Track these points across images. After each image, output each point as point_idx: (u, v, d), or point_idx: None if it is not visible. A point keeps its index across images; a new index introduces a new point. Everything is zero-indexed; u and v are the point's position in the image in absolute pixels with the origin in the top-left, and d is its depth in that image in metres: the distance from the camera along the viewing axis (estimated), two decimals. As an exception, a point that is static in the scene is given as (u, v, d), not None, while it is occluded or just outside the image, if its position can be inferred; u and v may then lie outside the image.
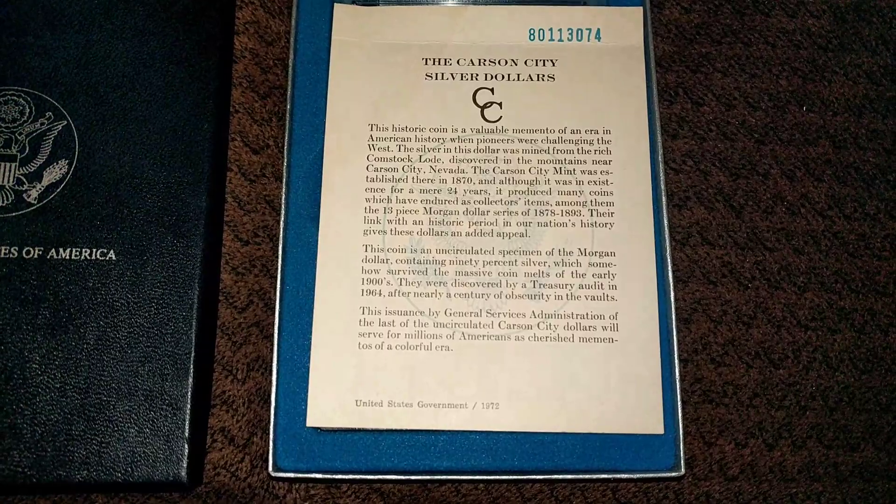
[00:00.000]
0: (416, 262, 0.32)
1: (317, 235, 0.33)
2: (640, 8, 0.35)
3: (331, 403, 0.31)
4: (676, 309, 0.33)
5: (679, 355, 0.32)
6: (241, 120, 0.36)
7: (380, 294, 0.32)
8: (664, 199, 0.33)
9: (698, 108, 0.37)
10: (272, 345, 0.32)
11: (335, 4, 0.35)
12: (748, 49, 0.38)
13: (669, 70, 0.37)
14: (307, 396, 0.31)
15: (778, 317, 0.35)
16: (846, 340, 0.35)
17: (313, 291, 0.32)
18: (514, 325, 0.32)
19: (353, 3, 0.36)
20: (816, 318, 0.35)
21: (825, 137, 0.37)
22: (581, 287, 0.32)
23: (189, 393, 0.31)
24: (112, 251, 0.32)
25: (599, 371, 0.31)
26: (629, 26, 0.35)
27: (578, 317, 0.32)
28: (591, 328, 0.32)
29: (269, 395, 0.32)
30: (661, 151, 0.34)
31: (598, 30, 0.35)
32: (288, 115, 0.34)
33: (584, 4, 0.36)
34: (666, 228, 0.33)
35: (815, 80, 0.38)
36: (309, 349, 0.32)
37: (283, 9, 0.38)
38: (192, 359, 0.31)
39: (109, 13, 0.34)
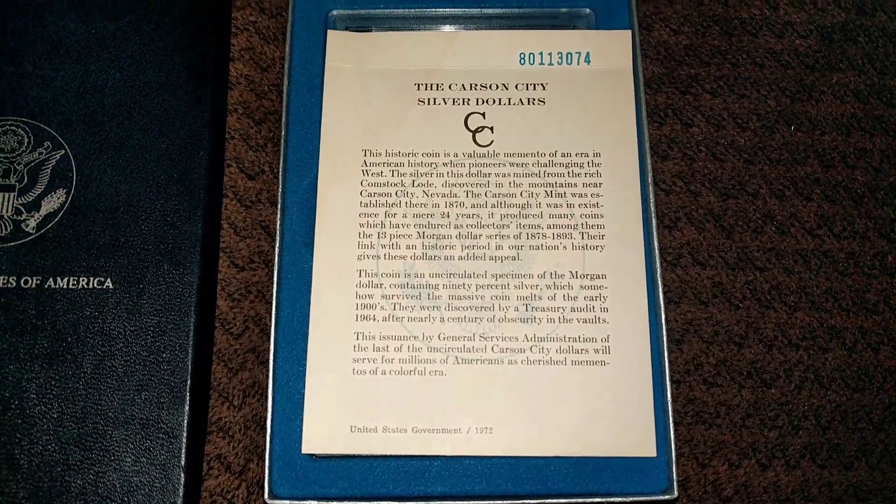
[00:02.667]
0: (409, 286, 0.33)
1: (312, 261, 0.33)
2: (629, 31, 0.36)
3: (326, 430, 0.31)
4: (668, 330, 0.34)
5: (671, 376, 0.33)
6: (236, 146, 0.36)
7: (374, 319, 0.32)
8: (654, 220, 0.34)
9: (688, 129, 0.37)
10: (268, 371, 0.32)
11: (328, 31, 0.36)
12: (736, 70, 0.38)
13: (659, 91, 0.38)
14: (303, 423, 0.31)
15: (769, 336, 0.35)
16: (837, 359, 0.35)
17: (308, 317, 0.32)
18: (507, 348, 0.32)
19: (347, 29, 0.36)
20: (807, 338, 0.35)
21: (814, 156, 0.37)
22: (573, 310, 0.32)
23: (185, 421, 0.31)
24: (109, 280, 0.32)
25: (592, 394, 0.31)
26: (618, 49, 0.35)
27: (571, 340, 0.32)
28: (584, 351, 0.32)
29: (266, 422, 0.32)
30: (650, 173, 0.34)
31: (588, 53, 0.35)
32: (283, 140, 0.35)
33: (574, 28, 0.36)
34: (656, 250, 0.33)
35: (802, 100, 0.38)
36: (304, 375, 0.32)
37: (278, 35, 0.38)
38: (188, 386, 0.31)
39: (106, 43, 0.35)
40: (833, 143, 0.38)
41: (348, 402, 0.31)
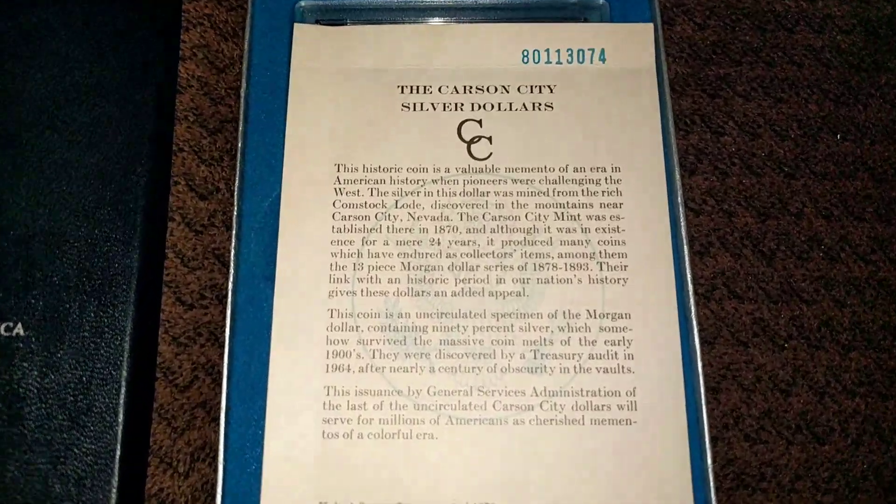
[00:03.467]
0: (392, 329, 0.27)
1: (273, 298, 0.27)
2: (651, 24, 0.30)
3: (289, 506, 0.25)
4: (703, 377, 0.28)
5: (708, 431, 0.27)
6: (185, 160, 0.31)
7: (348, 369, 0.26)
8: (686, 247, 0.28)
9: (718, 138, 0.32)
10: (220, 430, 0.26)
11: (295, 24, 0.30)
12: (772, 70, 0.33)
13: (683, 95, 0.32)
14: (260, 497, 0.26)
15: (820, 382, 0.30)
16: (902, 409, 0.30)
17: (268, 367, 0.27)
18: (511, 405, 0.26)
19: (317, 22, 0.31)
20: (865, 383, 0.30)
21: (863, 169, 0.32)
22: (591, 357, 0.27)
23: (113, 500, 0.25)
24: (20, 325, 0.26)
25: (616, 459, 0.26)
26: (638, 45, 0.30)
27: (589, 394, 0.26)
28: (605, 407, 0.26)
29: (216, 493, 0.26)
30: (680, 190, 0.29)
31: (603, 50, 0.30)
32: (239, 153, 0.29)
33: (586, 21, 0.31)
34: (689, 282, 0.28)
35: (848, 104, 0.33)
36: (263, 437, 0.26)
37: (238, 30, 0.33)
38: (117, 456, 0.25)
39: (25, 38, 0.29)
40: (885, 154, 0.33)
41: (317, 473, 0.26)
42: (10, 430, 0.25)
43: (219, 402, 0.28)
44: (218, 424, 0.27)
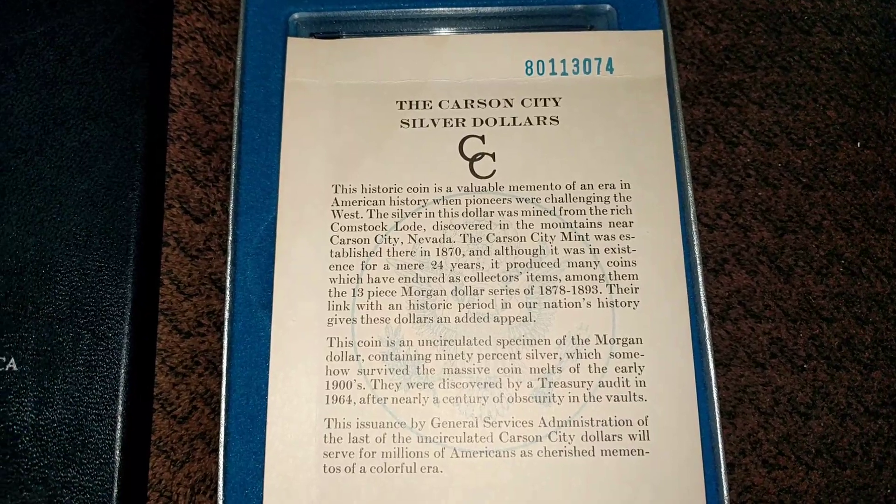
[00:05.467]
0: (393, 357, 0.26)
1: (270, 326, 0.26)
2: (660, 31, 0.29)
3: (291, 543, 0.25)
4: (718, 401, 0.27)
5: (724, 458, 0.26)
6: (179, 181, 0.30)
7: (349, 401, 0.26)
8: (699, 265, 0.27)
9: (732, 148, 0.31)
10: (219, 462, 0.26)
11: (289, 38, 0.29)
12: (787, 75, 0.32)
13: (695, 103, 0.31)
14: (262, 532, 0.25)
15: (841, 404, 0.29)
16: (927, 431, 0.29)
17: (267, 397, 0.26)
18: (518, 436, 0.25)
19: (312, 35, 0.30)
20: (888, 404, 0.29)
21: (885, 179, 0.31)
22: (601, 385, 0.26)
23: (110, 539, 0.24)
24: (13, 360, 0.25)
25: (629, 490, 0.25)
26: (647, 53, 0.29)
27: (600, 423, 0.25)
28: (616, 437, 0.25)
29: (218, 527, 0.26)
30: (692, 206, 0.27)
31: (610, 59, 0.29)
32: (233, 175, 0.28)
33: (592, 29, 0.30)
34: (703, 303, 0.27)
35: (868, 110, 0.32)
36: (263, 471, 0.25)
37: (231, 44, 0.32)
38: (114, 493, 0.25)
39: (11, 60, 0.28)
40: (908, 162, 0.31)
41: (319, 508, 0.25)
42: (6, 467, 0.24)
43: (218, 433, 0.27)
44: (217, 456, 0.27)
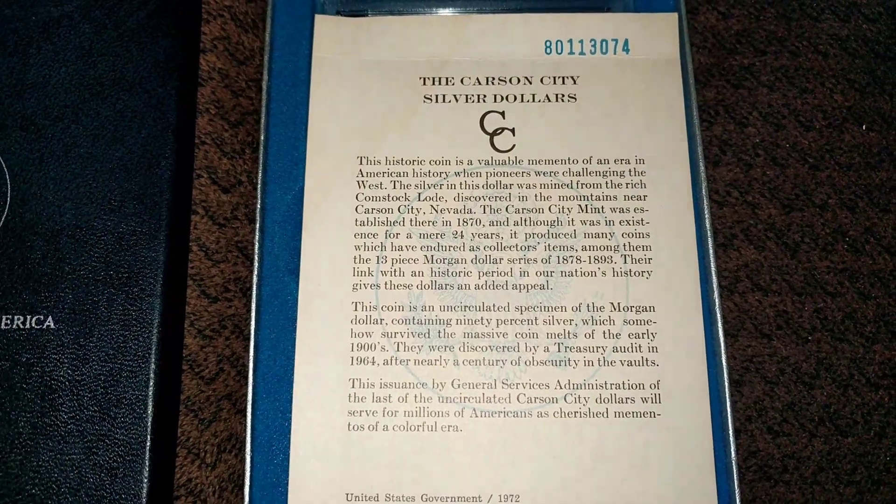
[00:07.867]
0: (415, 322, 0.27)
1: (297, 291, 0.27)
2: (675, 14, 0.30)
3: (316, 497, 0.26)
4: (727, 368, 0.28)
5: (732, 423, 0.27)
6: (207, 153, 0.31)
7: (373, 362, 0.27)
8: (710, 240, 0.28)
9: (742, 129, 0.32)
10: (246, 422, 0.27)
11: (316, 15, 0.30)
12: (796, 59, 0.33)
13: (707, 86, 0.32)
14: (288, 487, 0.26)
15: (844, 375, 0.30)
16: (926, 401, 0.30)
17: (293, 359, 0.27)
18: (535, 398, 0.26)
19: (338, 13, 0.31)
20: (889, 375, 0.30)
21: (889, 160, 0.32)
22: (615, 350, 0.27)
23: (144, 490, 0.25)
24: (50, 318, 0.26)
25: (640, 451, 0.26)
26: (662, 35, 0.30)
27: (613, 386, 0.26)
28: (629, 400, 0.26)
29: (244, 483, 0.27)
30: (704, 183, 0.29)
31: (626, 40, 0.30)
32: (262, 147, 0.29)
33: (609, 11, 0.31)
34: (714, 275, 0.28)
35: (874, 94, 0.33)
36: (289, 429, 0.26)
37: (258, 22, 0.33)
38: (147, 446, 0.26)
39: (49, 32, 0.29)
40: (912, 145, 0.32)
41: (343, 464, 0.26)
42: (44, 420, 0.25)
43: (244, 395, 0.28)
44: (243, 416, 0.28)
